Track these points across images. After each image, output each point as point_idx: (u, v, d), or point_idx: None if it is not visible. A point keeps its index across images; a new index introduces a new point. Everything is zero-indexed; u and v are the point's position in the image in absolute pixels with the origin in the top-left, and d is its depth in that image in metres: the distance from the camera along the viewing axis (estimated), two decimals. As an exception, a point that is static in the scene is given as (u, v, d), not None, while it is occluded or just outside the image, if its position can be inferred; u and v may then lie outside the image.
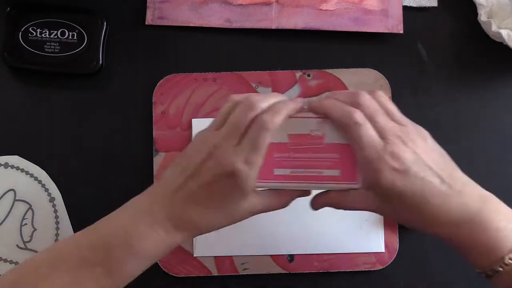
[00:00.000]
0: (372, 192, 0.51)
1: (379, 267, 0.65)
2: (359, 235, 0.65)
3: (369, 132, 0.50)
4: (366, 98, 0.51)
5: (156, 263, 0.64)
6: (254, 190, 0.52)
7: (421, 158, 0.50)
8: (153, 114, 0.66)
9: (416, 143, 0.50)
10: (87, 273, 0.50)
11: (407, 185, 0.49)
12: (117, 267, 0.51)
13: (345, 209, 0.55)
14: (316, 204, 0.56)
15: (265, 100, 0.51)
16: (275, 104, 0.52)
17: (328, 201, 0.55)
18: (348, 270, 0.65)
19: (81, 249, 0.51)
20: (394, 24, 0.67)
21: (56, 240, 0.64)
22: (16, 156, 0.65)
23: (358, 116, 0.50)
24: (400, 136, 0.50)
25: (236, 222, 0.54)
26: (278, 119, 0.50)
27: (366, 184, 0.51)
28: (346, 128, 0.51)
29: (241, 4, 0.67)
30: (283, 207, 0.55)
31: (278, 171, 0.53)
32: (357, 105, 0.51)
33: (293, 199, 0.55)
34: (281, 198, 0.54)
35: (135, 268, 0.52)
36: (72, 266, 0.50)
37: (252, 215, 0.53)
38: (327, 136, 0.53)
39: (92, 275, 0.50)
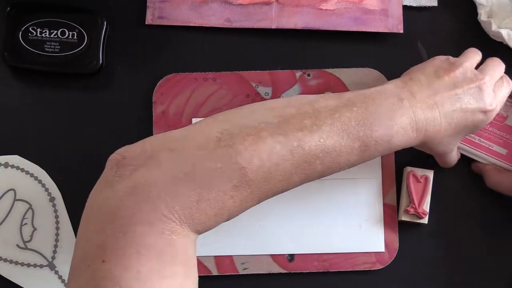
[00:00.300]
0: None
1: (379, 267, 0.65)
2: (359, 234, 0.65)
3: None
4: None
5: (156, 263, 0.64)
6: None
7: None
8: (153, 114, 0.66)
9: None
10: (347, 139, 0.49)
11: None
12: (371, 147, 0.50)
13: (492, 186, 0.63)
14: (476, 168, 0.64)
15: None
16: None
17: (485, 170, 0.63)
18: (348, 270, 0.65)
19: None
20: (394, 24, 0.67)
21: (57, 239, 0.65)
22: (16, 156, 0.65)
23: None
24: None
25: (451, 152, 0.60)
26: None
27: None
28: None
29: (241, 4, 0.67)
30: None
31: None
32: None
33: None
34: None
35: (377, 154, 0.51)
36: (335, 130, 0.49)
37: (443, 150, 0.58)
38: (509, 119, 0.63)
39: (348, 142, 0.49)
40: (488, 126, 0.62)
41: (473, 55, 0.60)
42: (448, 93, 0.54)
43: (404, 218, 0.63)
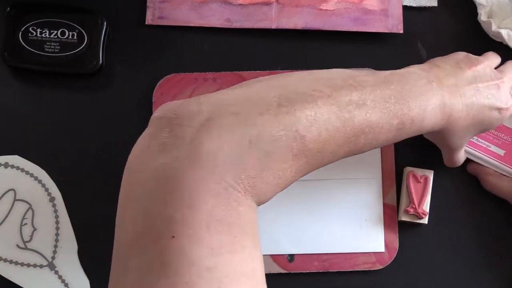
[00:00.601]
0: None
1: (379, 267, 0.65)
2: (359, 235, 0.65)
3: None
4: None
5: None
6: None
7: None
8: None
9: None
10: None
11: None
12: (407, 126, 0.50)
13: (490, 189, 0.64)
14: (472, 169, 0.65)
15: None
16: None
17: (483, 173, 0.64)
18: (348, 270, 0.65)
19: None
20: (394, 24, 0.67)
21: (57, 239, 0.65)
22: (16, 156, 0.65)
23: None
24: None
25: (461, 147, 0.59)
26: None
27: None
28: None
29: (241, 4, 0.67)
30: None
31: None
32: None
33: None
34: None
35: (410, 133, 0.51)
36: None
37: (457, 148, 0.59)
38: (508, 121, 0.62)
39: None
40: None
41: (493, 57, 0.61)
42: (469, 84, 0.55)
43: (404, 218, 0.63)
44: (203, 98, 0.43)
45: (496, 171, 0.63)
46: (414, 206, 0.63)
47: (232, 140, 0.40)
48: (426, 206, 0.63)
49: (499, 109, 0.56)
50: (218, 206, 0.39)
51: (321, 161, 0.46)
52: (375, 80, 0.49)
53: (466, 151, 0.62)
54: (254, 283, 0.40)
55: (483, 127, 0.57)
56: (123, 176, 0.43)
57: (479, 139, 0.63)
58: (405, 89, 0.50)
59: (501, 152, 0.63)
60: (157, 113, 0.43)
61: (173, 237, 0.37)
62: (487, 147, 0.63)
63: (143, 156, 0.42)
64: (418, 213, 0.63)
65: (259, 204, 0.43)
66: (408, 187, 0.63)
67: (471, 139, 0.62)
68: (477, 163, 0.64)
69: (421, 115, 0.50)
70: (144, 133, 0.43)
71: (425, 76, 0.53)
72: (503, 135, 0.63)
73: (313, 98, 0.44)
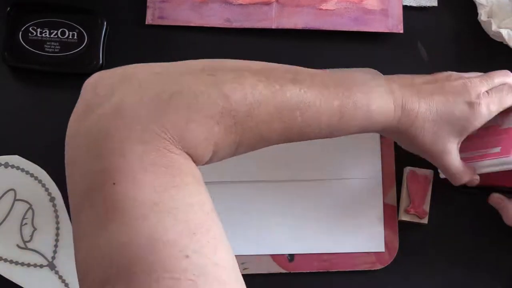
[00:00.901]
0: None
1: (379, 266, 0.65)
2: (359, 234, 0.65)
3: None
4: None
5: (156, 263, 0.64)
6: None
7: None
8: (153, 114, 0.66)
9: None
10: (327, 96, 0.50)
11: None
12: (350, 110, 0.50)
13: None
14: (493, 201, 0.62)
15: None
16: None
17: (505, 208, 0.61)
18: (348, 270, 0.65)
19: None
20: (394, 24, 0.67)
21: (57, 239, 0.65)
22: (16, 156, 0.65)
23: None
24: None
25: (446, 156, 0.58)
26: None
27: None
28: None
29: (241, 4, 0.67)
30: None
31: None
32: None
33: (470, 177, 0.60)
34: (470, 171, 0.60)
35: (353, 129, 0.52)
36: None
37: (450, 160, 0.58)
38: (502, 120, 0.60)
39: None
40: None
41: (470, 75, 0.60)
42: (427, 82, 0.55)
43: (404, 218, 0.63)
44: (129, 66, 0.47)
45: None
46: (414, 206, 0.63)
47: (152, 93, 0.43)
48: (426, 205, 0.63)
49: (469, 103, 0.55)
50: (148, 152, 0.41)
51: (255, 131, 0.47)
52: (315, 71, 0.51)
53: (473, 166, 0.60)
54: (204, 212, 0.42)
55: (457, 124, 0.56)
56: (65, 143, 0.46)
57: (476, 151, 0.61)
58: (346, 76, 0.51)
59: (498, 149, 0.61)
60: (87, 80, 0.45)
61: (114, 183, 0.39)
62: (486, 152, 0.61)
63: (75, 120, 0.45)
64: (418, 212, 0.63)
65: (196, 162, 0.45)
66: (408, 187, 0.63)
67: (466, 154, 0.60)
68: (500, 196, 0.62)
69: (365, 99, 0.50)
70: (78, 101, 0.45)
71: (373, 72, 0.53)
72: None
73: (240, 71, 0.47)
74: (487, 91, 0.56)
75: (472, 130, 0.57)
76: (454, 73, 0.58)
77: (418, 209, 0.63)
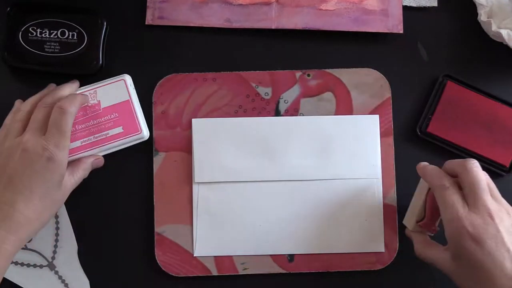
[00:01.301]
0: (450, 254, 0.55)
1: (379, 267, 0.65)
2: (359, 235, 0.65)
3: (453, 196, 0.55)
4: (474, 165, 0.55)
5: (156, 263, 0.64)
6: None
7: (502, 236, 0.52)
8: (153, 114, 0.66)
9: (503, 222, 0.53)
10: None
11: (478, 256, 0.52)
12: None
13: (421, 257, 0.59)
14: (407, 233, 0.62)
15: (72, 102, 0.59)
16: (69, 95, 0.61)
17: (416, 243, 0.60)
18: (348, 270, 0.65)
19: None
20: (394, 24, 0.67)
21: (57, 239, 0.65)
22: (16, 156, 0.65)
23: (446, 181, 0.56)
24: (489, 210, 0.53)
25: (60, 204, 0.60)
26: (76, 104, 0.59)
27: (448, 241, 0.55)
28: (434, 189, 0.57)
29: (241, 4, 0.67)
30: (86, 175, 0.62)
31: (70, 145, 0.61)
32: (462, 169, 0.55)
33: (90, 165, 0.62)
34: (78, 171, 0.61)
35: None
36: None
37: (69, 191, 0.60)
38: (102, 102, 0.63)
39: None
40: (91, 120, 0.63)
41: None
42: None
43: (414, 229, 0.61)
44: None
45: (424, 237, 0.60)
46: (427, 222, 0.60)
47: None
48: (437, 222, 0.61)
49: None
50: None
51: None
52: None
53: (99, 151, 0.63)
54: None
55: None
56: None
57: (95, 136, 0.63)
58: None
59: (120, 129, 0.63)
60: None
61: None
62: (106, 135, 0.63)
63: None
64: (429, 229, 0.60)
65: None
66: (427, 202, 0.60)
67: (93, 140, 0.63)
68: (410, 230, 0.61)
69: None
70: None
71: None
72: (109, 116, 0.63)
73: None
74: None
75: None
76: None
77: (431, 227, 0.60)
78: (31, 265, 0.64)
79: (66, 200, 0.65)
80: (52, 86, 0.64)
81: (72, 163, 0.61)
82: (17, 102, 0.62)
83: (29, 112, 0.60)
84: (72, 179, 0.60)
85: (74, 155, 0.63)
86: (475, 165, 0.55)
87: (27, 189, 0.55)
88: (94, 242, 0.65)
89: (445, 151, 0.66)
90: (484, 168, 0.65)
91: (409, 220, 0.62)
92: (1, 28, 0.65)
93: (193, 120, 0.66)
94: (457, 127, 0.65)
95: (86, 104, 0.62)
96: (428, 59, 0.67)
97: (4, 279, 0.64)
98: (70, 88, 0.62)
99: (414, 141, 0.66)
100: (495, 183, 0.56)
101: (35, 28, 0.65)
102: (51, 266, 0.65)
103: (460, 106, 0.66)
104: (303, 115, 0.66)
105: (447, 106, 0.66)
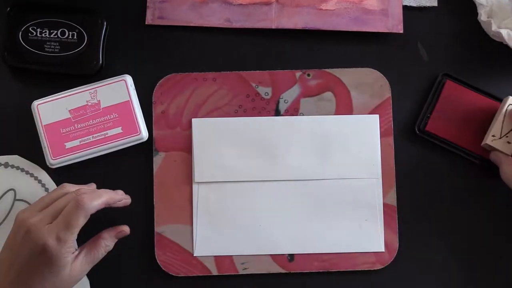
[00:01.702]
0: None
1: (379, 267, 0.65)
2: (359, 235, 0.65)
3: None
4: None
5: (156, 263, 0.64)
6: (73, 258, 0.56)
7: None
8: (153, 114, 0.66)
9: None
10: None
11: None
12: None
13: (508, 180, 0.61)
14: (494, 156, 0.63)
15: (94, 199, 0.56)
16: (98, 190, 0.58)
17: (504, 163, 0.62)
18: (348, 270, 0.65)
19: None
20: (394, 24, 0.67)
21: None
22: (16, 156, 0.65)
23: None
24: None
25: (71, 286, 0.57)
26: (97, 202, 0.56)
27: None
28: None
29: (241, 4, 0.67)
30: (102, 256, 0.60)
31: (69, 144, 0.63)
32: None
33: (106, 247, 0.60)
34: (97, 249, 0.59)
35: None
36: None
37: (82, 277, 0.58)
38: (102, 102, 0.63)
39: None
40: (91, 120, 0.63)
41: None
42: None
43: (489, 143, 0.63)
44: None
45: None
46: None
47: None
48: None
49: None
50: None
51: None
52: None
53: (91, 155, 0.63)
54: None
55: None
56: None
57: (93, 135, 0.63)
58: None
59: (119, 129, 0.63)
60: None
61: None
62: (105, 136, 0.63)
63: None
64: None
65: None
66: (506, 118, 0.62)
67: (87, 141, 0.63)
68: (500, 151, 0.63)
69: None
70: None
71: None
72: (108, 116, 0.63)
73: None
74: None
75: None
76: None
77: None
78: (31, 265, 0.64)
79: (66, 200, 0.65)
80: (92, 185, 0.63)
81: (90, 241, 0.59)
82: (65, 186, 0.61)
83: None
84: (88, 259, 0.58)
85: (72, 154, 0.63)
86: None
87: (24, 277, 0.54)
88: (94, 242, 0.65)
89: (444, 149, 0.66)
90: (483, 168, 0.65)
91: (486, 137, 0.63)
92: (1, 28, 0.65)
93: (193, 120, 0.66)
94: (455, 126, 0.65)
95: (112, 204, 0.60)
96: (428, 59, 0.67)
97: (4, 279, 0.64)
98: (110, 194, 0.59)
99: (413, 140, 0.66)
100: (494, 181, 0.56)
101: (35, 28, 0.65)
102: (51, 266, 0.64)
103: (459, 105, 0.66)
104: (303, 115, 0.66)
105: (446, 105, 0.66)
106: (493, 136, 0.62)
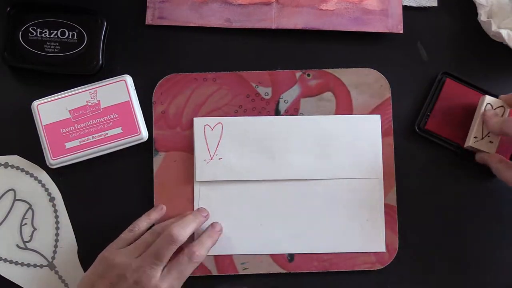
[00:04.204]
0: None
1: (379, 267, 0.65)
2: (360, 235, 0.65)
3: None
4: None
5: (156, 263, 0.64)
6: None
7: None
8: (153, 114, 0.66)
9: None
10: None
11: None
12: None
13: (501, 176, 0.60)
14: (479, 158, 0.64)
15: (184, 230, 0.59)
16: (200, 240, 0.61)
17: (492, 161, 0.61)
18: (348, 270, 0.65)
19: None
20: (394, 24, 0.67)
21: (57, 239, 0.65)
22: (16, 156, 0.65)
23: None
24: None
25: None
26: (207, 248, 0.61)
27: None
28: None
29: (241, 4, 0.67)
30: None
31: (69, 144, 0.63)
32: None
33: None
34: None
35: None
36: None
37: None
38: (102, 102, 0.63)
39: None
40: (91, 120, 0.63)
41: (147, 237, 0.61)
42: None
43: (472, 145, 0.63)
44: None
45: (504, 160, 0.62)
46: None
47: None
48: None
49: None
50: None
51: None
52: None
53: (91, 155, 0.63)
54: None
55: None
56: None
57: (93, 135, 0.63)
58: None
59: (119, 130, 0.64)
60: None
61: None
62: (105, 136, 0.63)
63: None
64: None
65: None
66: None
67: (86, 142, 0.63)
68: (484, 152, 0.63)
69: None
70: None
71: None
72: (108, 116, 0.64)
73: None
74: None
75: None
76: (111, 263, 0.59)
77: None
78: (31, 265, 0.64)
79: (66, 201, 0.65)
80: (162, 207, 0.64)
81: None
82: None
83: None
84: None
85: (72, 154, 0.63)
86: None
87: None
88: (94, 242, 0.65)
89: (443, 148, 0.66)
90: (482, 167, 0.65)
91: (468, 139, 0.64)
92: (1, 28, 0.65)
93: (194, 119, 0.66)
94: (455, 124, 0.65)
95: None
96: (428, 59, 0.67)
97: (4, 279, 0.64)
98: (194, 224, 0.62)
99: (413, 138, 0.66)
100: (494, 180, 0.56)
101: (35, 28, 0.65)
102: (51, 266, 0.65)
103: (458, 104, 0.66)
104: (303, 115, 0.66)
105: (446, 103, 0.66)
106: (475, 137, 0.63)
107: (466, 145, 0.64)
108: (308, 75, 0.67)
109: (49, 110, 0.64)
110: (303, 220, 0.65)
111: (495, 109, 0.63)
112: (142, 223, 0.62)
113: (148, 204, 0.65)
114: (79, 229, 0.65)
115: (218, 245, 0.64)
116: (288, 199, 0.65)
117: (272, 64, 0.67)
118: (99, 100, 0.63)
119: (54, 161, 0.63)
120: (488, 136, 0.63)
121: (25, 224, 0.65)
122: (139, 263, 0.57)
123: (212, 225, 0.64)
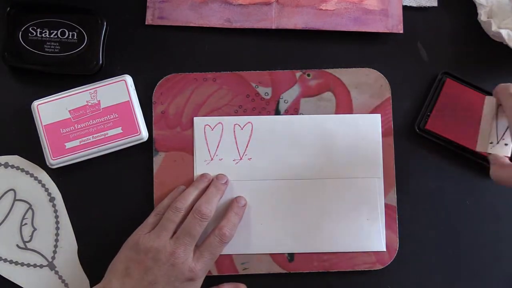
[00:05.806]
0: None
1: (379, 267, 0.65)
2: (360, 234, 0.65)
3: None
4: None
5: (156, 263, 0.64)
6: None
7: None
8: (153, 114, 0.66)
9: None
10: None
11: None
12: None
13: (497, 179, 0.58)
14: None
15: (210, 205, 0.61)
16: (228, 218, 0.62)
17: (494, 161, 0.59)
18: (348, 270, 0.65)
19: None
20: (394, 24, 0.67)
21: (57, 239, 0.65)
22: (16, 156, 0.65)
23: None
24: None
25: None
26: (235, 230, 0.62)
27: None
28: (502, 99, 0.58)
29: (241, 4, 0.67)
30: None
31: (69, 145, 0.63)
32: None
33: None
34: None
35: None
36: None
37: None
38: (102, 102, 0.63)
39: None
40: (91, 120, 0.63)
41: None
42: None
43: (489, 151, 0.60)
44: None
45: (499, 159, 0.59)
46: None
47: None
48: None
49: (190, 279, 0.59)
50: None
51: None
52: None
53: (91, 155, 0.64)
54: None
55: None
56: None
57: (93, 136, 0.64)
58: None
59: (119, 130, 0.64)
60: None
61: None
62: (105, 136, 0.64)
63: None
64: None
65: None
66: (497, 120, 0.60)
67: (87, 142, 0.63)
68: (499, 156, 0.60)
69: None
70: None
71: None
72: (108, 116, 0.64)
73: None
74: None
75: None
76: (146, 247, 0.59)
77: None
78: (31, 265, 0.64)
79: (66, 201, 0.65)
80: (183, 188, 0.64)
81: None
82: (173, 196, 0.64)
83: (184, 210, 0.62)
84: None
85: (72, 154, 0.63)
86: None
87: None
88: (94, 242, 0.65)
89: (443, 148, 0.66)
90: (481, 166, 0.65)
91: (482, 144, 0.60)
92: (1, 28, 0.65)
93: (194, 118, 0.66)
94: (455, 124, 0.65)
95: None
96: (428, 59, 0.67)
97: (4, 279, 0.64)
98: (218, 196, 0.63)
99: (413, 138, 0.66)
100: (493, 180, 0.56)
101: (35, 28, 0.65)
102: (51, 266, 0.65)
103: (458, 104, 0.66)
104: (303, 115, 0.66)
105: (446, 103, 0.66)
106: (491, 143, 0.60)
107: (485, 151, 0.61)
108: (308, 75, 0.67)
109: (49, 110, 0.64)
110: (303, 219, 0.65)
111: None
112: (167, 206, 0.62)
113: (148, 204, 0.65)
114: (79, 229, 0.65)
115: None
116: (289, 198, 0.65)
117: (272, 64, 0.67)
118: (99, 100, 0.63)
119: (54, 161, 0.63)
120: (503, 139, 0.60)
121: (25, 224, 0.65)
122: (173, 245, 0.59)
123: (236, 200, 0.64)
